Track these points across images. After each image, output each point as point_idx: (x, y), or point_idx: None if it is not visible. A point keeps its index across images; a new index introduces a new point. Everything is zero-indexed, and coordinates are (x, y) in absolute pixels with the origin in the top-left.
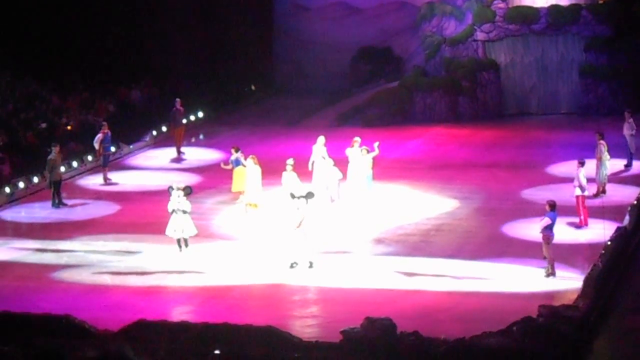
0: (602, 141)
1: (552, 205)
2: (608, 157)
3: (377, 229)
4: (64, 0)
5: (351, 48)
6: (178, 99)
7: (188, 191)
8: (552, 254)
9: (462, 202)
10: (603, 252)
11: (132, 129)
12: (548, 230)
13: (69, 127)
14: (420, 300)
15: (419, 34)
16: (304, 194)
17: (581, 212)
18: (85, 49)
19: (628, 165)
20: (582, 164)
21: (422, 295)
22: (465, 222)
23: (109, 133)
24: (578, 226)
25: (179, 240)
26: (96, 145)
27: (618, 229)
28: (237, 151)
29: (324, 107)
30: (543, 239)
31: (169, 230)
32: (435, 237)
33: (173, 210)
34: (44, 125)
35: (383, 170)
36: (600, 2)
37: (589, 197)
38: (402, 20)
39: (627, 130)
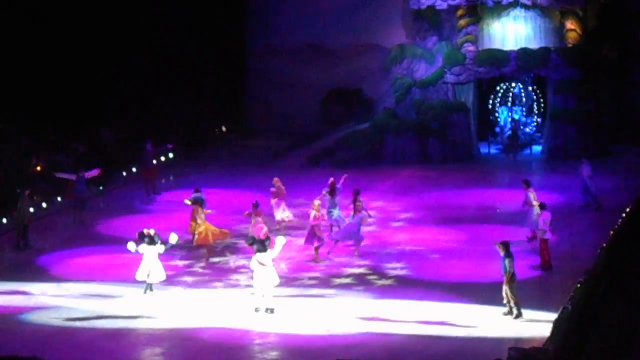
0: (530, 189)
1: (506, 246)
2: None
3: (345, 272)
4: (33, 40)
5: (322, 89)
6: (149, 141)
7: (157, 237)
8: (516, 295)
9: (431, 244)
10: (572, 294)
11: (102, 170)
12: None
13: (38, 168)
14: (390, 343)
15: (389, 76)
16: (262, 241)
17: (544, 255)
18: (56, 89)
19: (597, 208)
20: (543, 207)
21: (392, 339)
22: (434, 264)
23: (85, 175)
24: (543, 269)
25: (147, 284)
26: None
27: (587, 270)
28: (197, 191)
29: (295, 148)
30: (506, 280)
31: (139, 274)
32: (405, 280)
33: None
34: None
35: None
36: (569, 45)
37: (523, 241)
38: (373, 62)
39: (587, 173)
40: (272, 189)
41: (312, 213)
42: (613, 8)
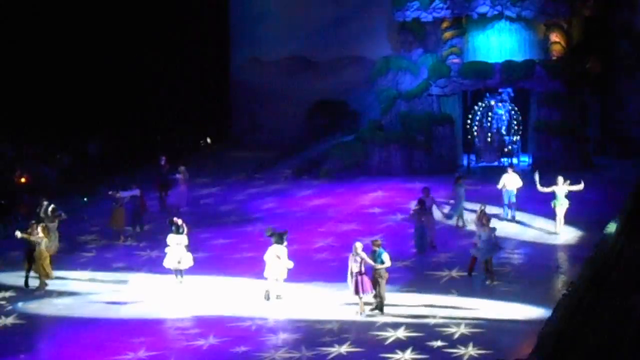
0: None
1: (378, 244)
2: None
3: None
4: (17, 51)
5: (307, 101)
6: (163, 156)
7: (183, 228)
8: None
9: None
10: (556, 307)
11: (88, 182)
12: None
13: (22, 180)
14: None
15: (374, 88)
16: (280, 233)
17: (473, 263)
18: (41, 99)
19: (512, 219)
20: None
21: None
22: (431, 268)
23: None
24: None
25: (176, 271)
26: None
27: (571, 283)
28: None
29: (280, 159)
30: (376, 276)
31: (166, 262)
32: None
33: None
34: None
35: (337, 224)
36: (554, 58)
37: None
38: (358, 74)
39: (513, 185)
40: (179, 176)
41: (358, 259)
42: (598, 21)
